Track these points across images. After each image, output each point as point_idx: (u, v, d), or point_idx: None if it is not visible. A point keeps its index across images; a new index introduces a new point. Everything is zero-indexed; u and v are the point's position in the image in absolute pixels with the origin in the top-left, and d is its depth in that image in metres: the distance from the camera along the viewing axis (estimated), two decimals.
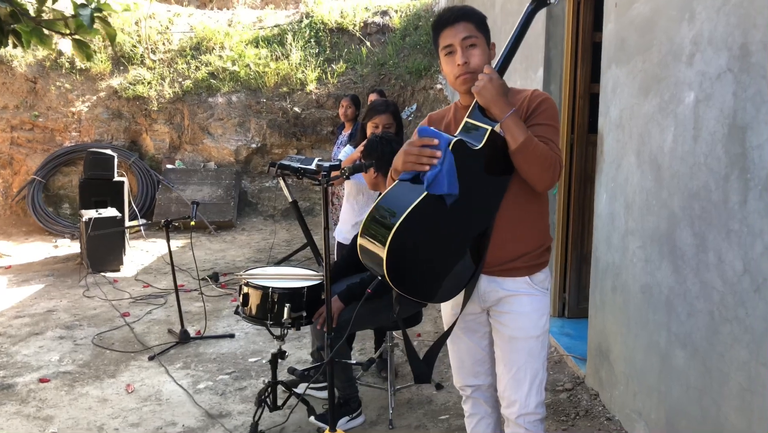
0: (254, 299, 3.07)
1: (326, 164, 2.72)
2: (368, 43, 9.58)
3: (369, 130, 3.52)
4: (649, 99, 2.74)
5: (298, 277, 3.24)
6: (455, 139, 1.91)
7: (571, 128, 4.31)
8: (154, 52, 9.32)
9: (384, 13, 10.05)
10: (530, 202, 2.08)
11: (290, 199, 5.52)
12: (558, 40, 4.37)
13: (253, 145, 8.99)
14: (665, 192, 2.60)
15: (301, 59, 9.30)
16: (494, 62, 2.10)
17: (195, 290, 5.64)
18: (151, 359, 4.20)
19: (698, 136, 2.37)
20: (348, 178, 2.62)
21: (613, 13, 3.16)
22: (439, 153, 1.89)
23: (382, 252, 1.85)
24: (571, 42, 4.25)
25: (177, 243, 7.16)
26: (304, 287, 3.03)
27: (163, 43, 9.49)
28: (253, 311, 3.08)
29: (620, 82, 3.05)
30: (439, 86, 8.77)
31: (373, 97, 6.50)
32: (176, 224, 4.88)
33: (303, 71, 9.21)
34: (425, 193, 1.88)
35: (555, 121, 2.09)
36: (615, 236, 3.09)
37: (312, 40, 9.59)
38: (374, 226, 1.94)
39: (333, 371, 2.75)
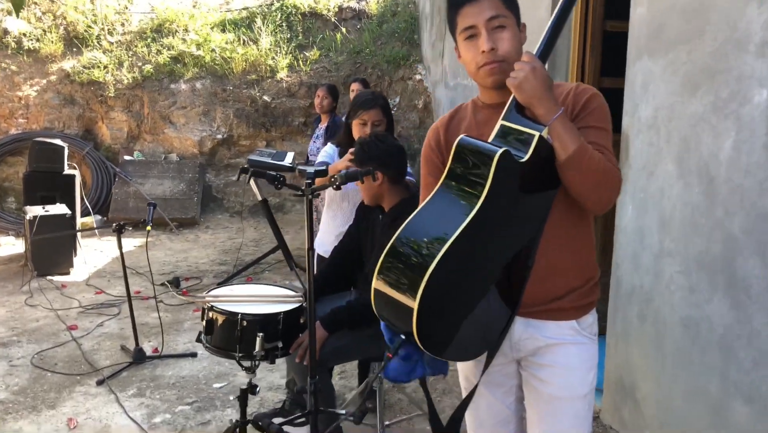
0: (220, 326, 2.56)
1: (310, 169, 2.21)
2: (343, 30, 9.02)
3: (355, 129, 2.99)
4: (698, 97, 2.30)
5: (272, 298, 2.73)
6: (502, 150, 1.42)
7: None
8: (111, 34, 8.61)
9: None
10: (577, 226, 1.64)
11: (260, 198, 5.02)
12: (564, 30, 3.91)
13: (219, 136, 8.37)
14: (720, 210, 2.17)
15: (271, 45, 8.69)
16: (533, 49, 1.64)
17: (153, 297, 5.06)
18: (100, 383, 3.65)
19: None
20: (339, 188, 2.12)
21: None
22: None
23: (412, 303, 1.37)
24: (579, 31, 3.80)
25: (134, 242, 6.55)
26: (280, 313, 2.53)
27: (122, 24, 8.77)
28: (219, 341, 2.57)
29: (655, 76, 2.60)
30: (418, 77, 8.28)
31: (355, 87, 5.88)
32: (129, 228, 4.30)
33: (273, 58, 8.60)
34: (473, 214, 1.40)
35: (608, 123, 1.66)
36: (645, 256, 2.65)
37: (283, 24, 8.98)
38: (397, 265, 1.44)
39: (316, 421, 2.26)
